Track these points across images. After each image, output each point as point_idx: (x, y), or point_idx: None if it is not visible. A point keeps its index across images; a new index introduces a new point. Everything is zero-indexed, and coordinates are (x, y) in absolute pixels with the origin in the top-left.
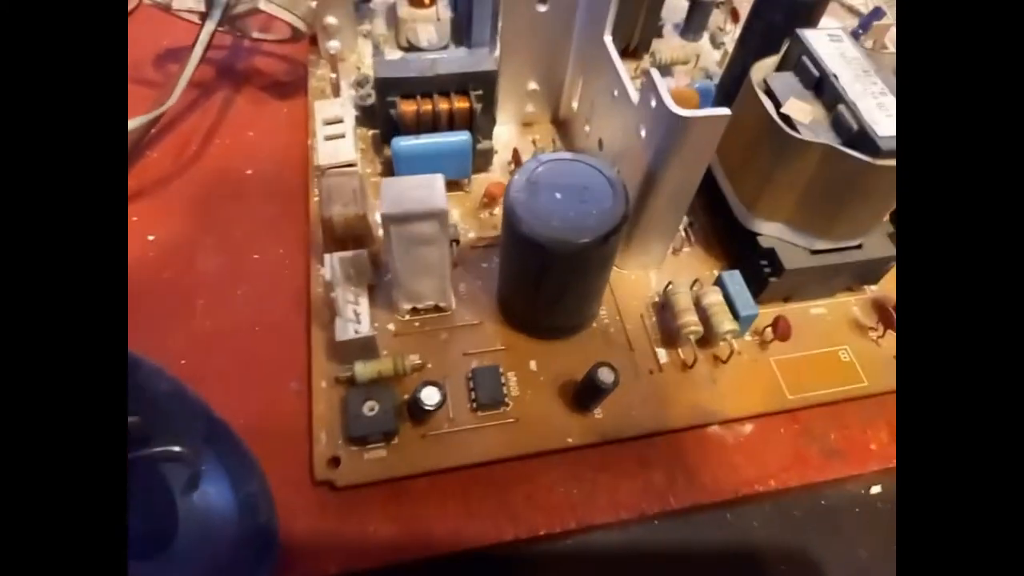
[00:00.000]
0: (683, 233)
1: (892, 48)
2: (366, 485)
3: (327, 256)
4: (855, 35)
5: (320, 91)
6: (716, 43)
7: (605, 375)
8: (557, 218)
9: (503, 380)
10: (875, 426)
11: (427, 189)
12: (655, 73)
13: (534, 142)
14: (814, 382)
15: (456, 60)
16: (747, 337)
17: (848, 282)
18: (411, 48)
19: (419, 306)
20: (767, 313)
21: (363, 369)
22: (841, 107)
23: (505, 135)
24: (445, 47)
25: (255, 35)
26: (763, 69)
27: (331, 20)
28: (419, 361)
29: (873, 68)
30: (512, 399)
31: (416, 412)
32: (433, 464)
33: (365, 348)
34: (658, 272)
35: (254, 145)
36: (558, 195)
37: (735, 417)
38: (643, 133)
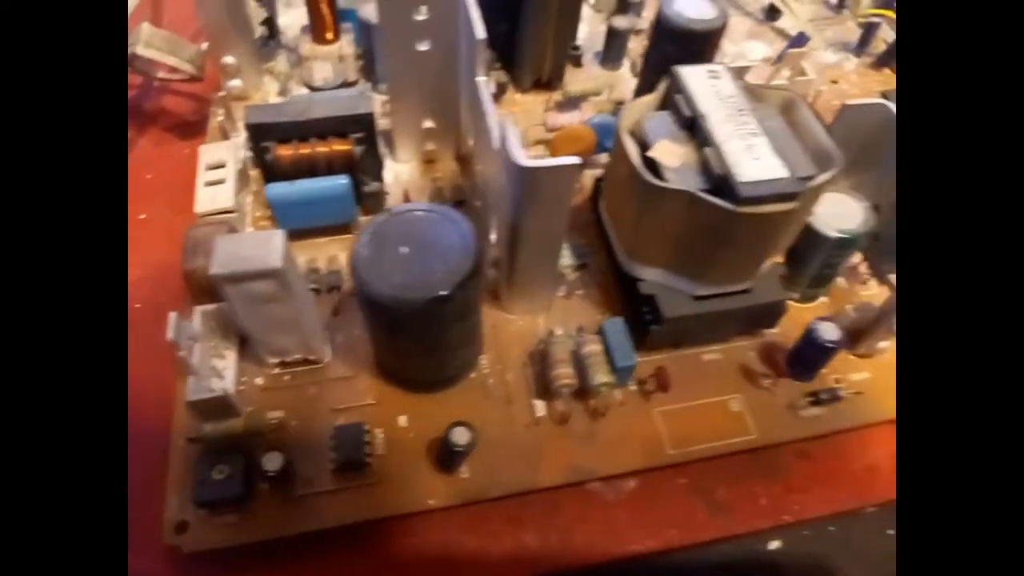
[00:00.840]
0: (576, 276)
1: (812, 74)
2: (219, 551)
3: (171, 314)
4: (778, 59)
5: (221, 132)
6: (636, 71)
7: (459, 436)
8: (399, 274)
9: (367, 439)
10: (768, 480)
11: (263, 247)
12: (508, 121)
13: (434, 180)
14: (699, 434)
15: (332, 103)
16: (631, 387)
17: (741, 327)
18: (313, 87)
19: (286, 359)
20: (656, 360)
21: (211, 430)
22: (708, 150)
23: (406, 173)
24: (340, 86)
25: (161, 75)
26: (637, 109)
27: (229, 60)
28: (279, 418)
29: (750, 107)
30: (376, 458)
31: (264, 476)
32: (287, 529)
33: (220, 407)
34: (547, 317)
35: (151, 188)
36: (404, 249)
37: (615, 473)
38: (503, 180)
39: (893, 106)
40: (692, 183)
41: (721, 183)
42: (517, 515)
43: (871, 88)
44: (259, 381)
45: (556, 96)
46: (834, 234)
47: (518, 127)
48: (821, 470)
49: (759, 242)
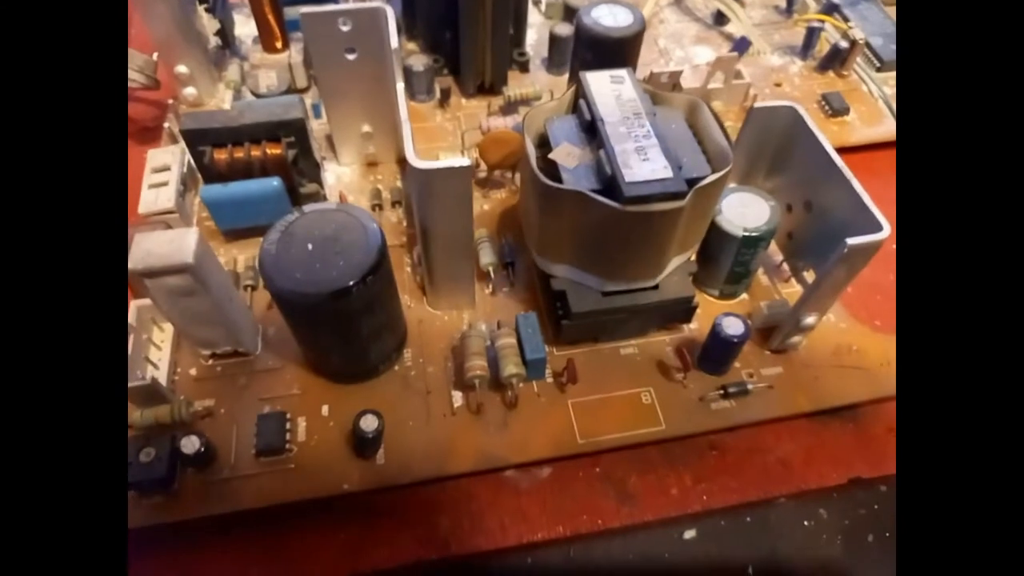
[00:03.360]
0: (503, 273)
1: (747, 78)
2: (144, 529)
3: None
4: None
5: (172, 137)
6: None
7: (367, 423)
8: (302, 270)
9: (288, 426)
10: (678, 470)
11: (176, 244)
12: (407, 125)
13: (373, 181)
14: (610, 425)
15: (264, 109)
16: (548, 380)
17: (655, 322)
18: (258, 95)
19: (217, 351)
20: (575, 354)
21: (140, 416)
22: (601, 152)
23: (348, 175)
24: (285, 92)
25: None
26: (542, 113)
27: (182, 69)
28: (208, 406)
29: (650, 111)
30: (297, 445)
31: (187, 459)
32: (209, 510)
33: (150, 395)
34: (472, 312)
35: None
36: (310, 246)
37: (525, 461)
38: (411, 182)
39: (800, 108)
40: (586, 184)
41: (611, 183)
42: (432, 500)
43: (813, 91)
44: (193, 372)
45: (498, 101)
46: (740, 232)
47: (462, 129)
48: (732, 462)
49: (651, 240)
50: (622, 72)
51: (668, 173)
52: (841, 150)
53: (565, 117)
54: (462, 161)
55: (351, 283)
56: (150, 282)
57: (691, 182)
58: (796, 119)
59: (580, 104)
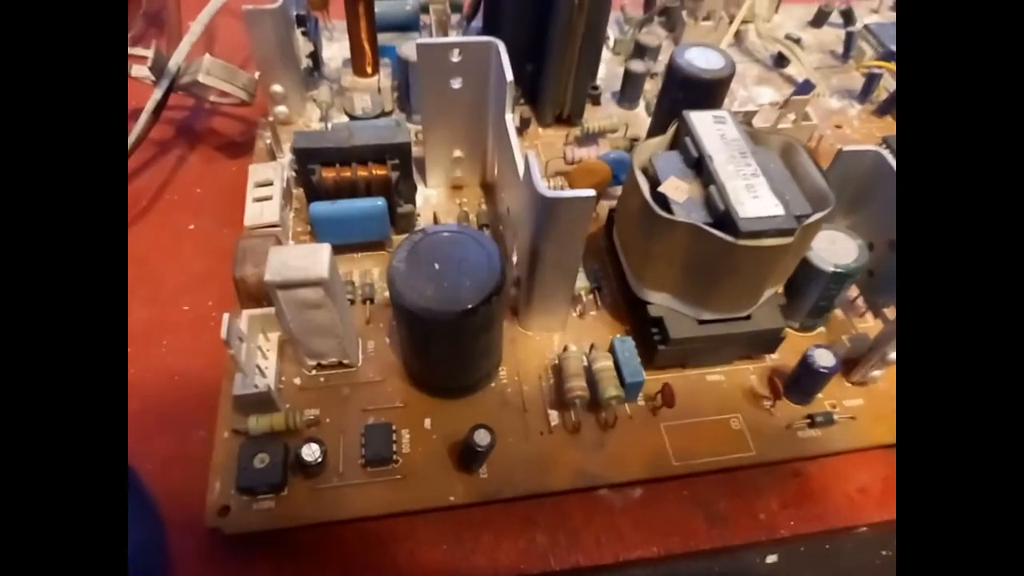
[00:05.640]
0: (590, 297)
1: (815, 119)
2: (254, 534)
3: (224, 316)
4: (783, 104)
5: (268, 153)
6: (650, 111)
7: (480, 437)
8: (433, 288)
9: (394, 437)
10: (765, 495)
11: (311, 258)
12: (531, 155)
13: (460, 205)
14: (702, 449)
15: (372, 131)
16: (640, 402)
17: (743, 351)
18: (353, 116)
19: (323, 362)
20: (663, 378)
21: (255, 423)
22: (712, 187)
23: (435, 197)
24: (378, 116)
25: (212, 99)
26: (649, 148)
27: (277, 88)
28: (315, 416)
29: (751, 150)
30: (402, 456)
31: (301, 466)
32: (318, 517)
33: (262, 402)
34: (562, 334)
35: (200, 201)
36: (437, 266)
37: (621, 481)
38: (526, 207)
39: (885, 152)
40: (697, 217)
41: (723, 218)
42: (530, 515)
43: (872, 133)
44: (297, 381)
45: (575, 131)
46: (830, 268)
47: (540, 159)
48: (816, 489)
49: (756, 273)
50: (723, 113)
51: (780, 210)
52: None
53: (669, 153)
54: (587, 192)
55: (479, 302)
56: (282, 293)
57: (797, 219)
58: (880, 162)
59: (685, 141)
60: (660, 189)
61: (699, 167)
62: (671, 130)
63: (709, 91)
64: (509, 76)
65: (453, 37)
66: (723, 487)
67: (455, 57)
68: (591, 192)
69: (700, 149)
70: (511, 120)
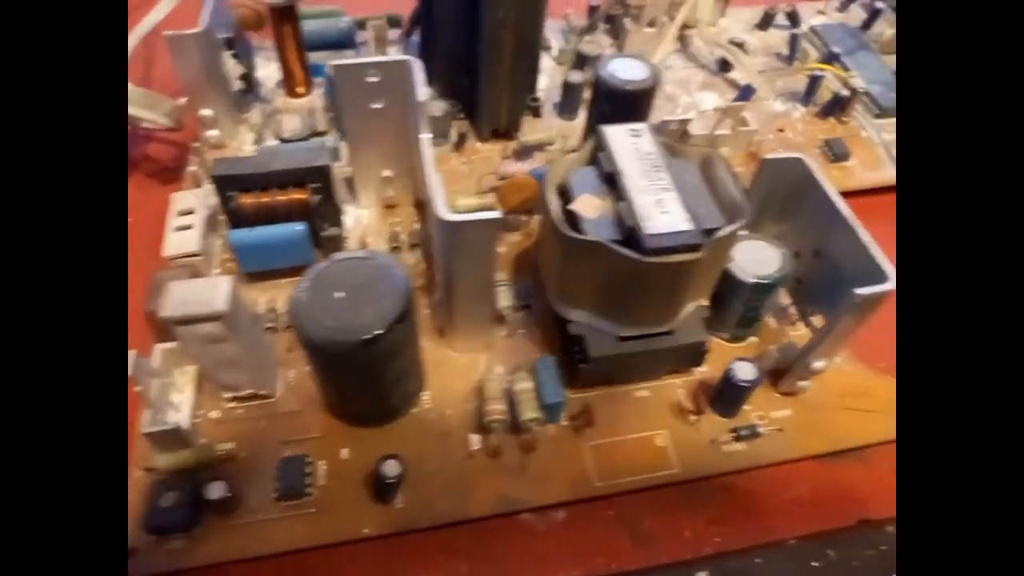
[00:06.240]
0: (517, 315)
1: (753, 125)
2: (166, 575)
3: (131, 352)
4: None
5: (197, 179)
6: None
7: (389, 468)
8: (333, 317)
9: (309, 470)
10: (692, 512)
11: (211, 292)
12: (436, 177)
13: (392, 225)
14: (626, 468)
15: (292, 155)
16: (564, 423)
17: (668, 366)
18: (283, 139)
19: (238, 395)
20: (590, 397)
21: (164, 460)
22: (621, 204)
23: (367, 217)
24: (308, 136)
25: (144, 124)
26: (565, 164)
27: (206, 112)
28: (230, 449)
29: (667, 164)
30: (317, 488)
31: (210, 504)
32: (229, 555)
33: (174, 438)
34: (490, 355)
35: (130, 231)
36: (339, 294)
37: (543, 504)
38: (436, 230)
39: (809, 160)
40: (607, 234)
41: (631, 235)
42: (450, 544)
43: (815, 136)
44: (214, 414)
45: (512, 145)
46: (751, 279)
47: (478, 173)
48: (745, 503)
49: (670, 289)
50: (640, 126)
51: (687, 225)
52: (843, 195)
53: (586, 168)
54: (492, 214)
55: (380, 331)
56: (182, 329)
57: (707, 233)
58: (804, 170)
59: (600, 156)
60: (571, 206)
61: (611, 183)
62: (588, 145)
63: (632, 103)
64: (421, 96)
65: (372, 57)
66: (649, 505)
67: (372, 77)
68: (494, 214)
69: (612, 164)
70: (426, 140)
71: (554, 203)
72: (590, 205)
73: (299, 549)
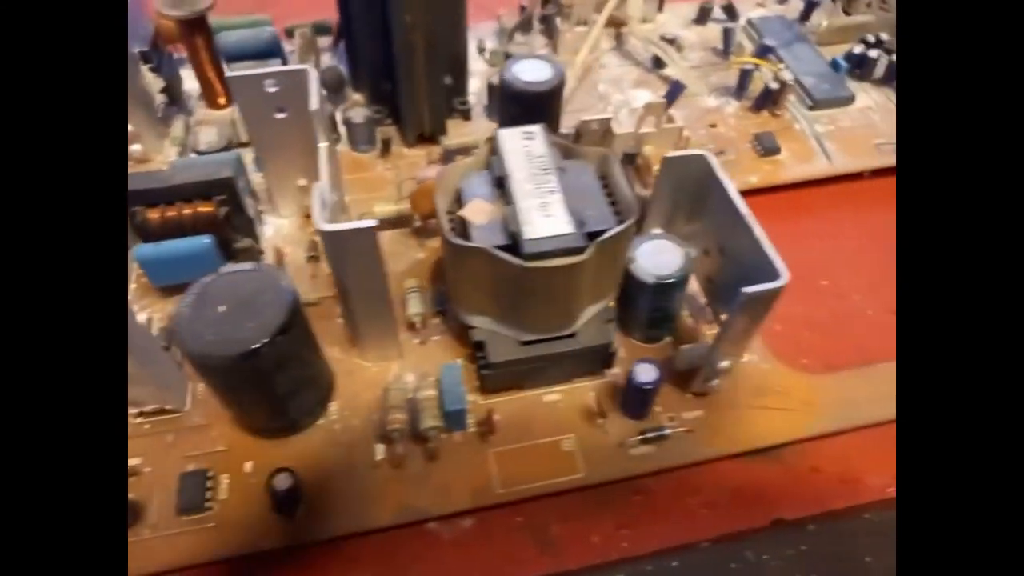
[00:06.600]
0: (435, 322)
1: (679, 122)
2: None
3: None
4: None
5: None
6: None
7: (280, 482)
8: (214, 331)
9: (210, 484)
10: (600, 517)
11: None
12: (316, 186)
13: (311, 234)
14: (530, 474)
15: (196, 168)
16: (472, 430)
17: (576, 369)
18: (199, 151)
19: (144, 409)
20: (501, 402)
21: None
22: (507, 208)
23: (287, 227)
24: (224, 148)
25: None
26: (458, 169)
27: (128, 127)
28: (133, 465)
29: (560, 166)
30: (219, 502)
31: None
32: (132, 571)
33: None
34: (401, 363)
35: None
36: (222, 308)
37: (447, 513)
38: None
39: (711, 156)
40: (494, 240)
41: (514, 240)
42: (355, 555)
43: (747, 130)
44: None
45: (437, 150)
46: (651, 280)
47: (402, 179)
48: (655, 506)
49: (559, 292)
50: (535, 128)
51: (568, 228)
52: (773, 188)
53: (482, 173)
54: (366, 223)
55: (260, 344)
56: None
57: (595, 235)
58: (706, 167)
59: (492, 160)
60: (461, 212)
61: (502, 187)
62: (483, 149)
63: (538, 104)
64: (314, 105)
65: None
66: (556, 511)
67: (271, 87)
68: (370, 223)
69: (502, 168)
70: (323, 151)
71: (442, 210)
72: (479, 210)
73: (197, 564)
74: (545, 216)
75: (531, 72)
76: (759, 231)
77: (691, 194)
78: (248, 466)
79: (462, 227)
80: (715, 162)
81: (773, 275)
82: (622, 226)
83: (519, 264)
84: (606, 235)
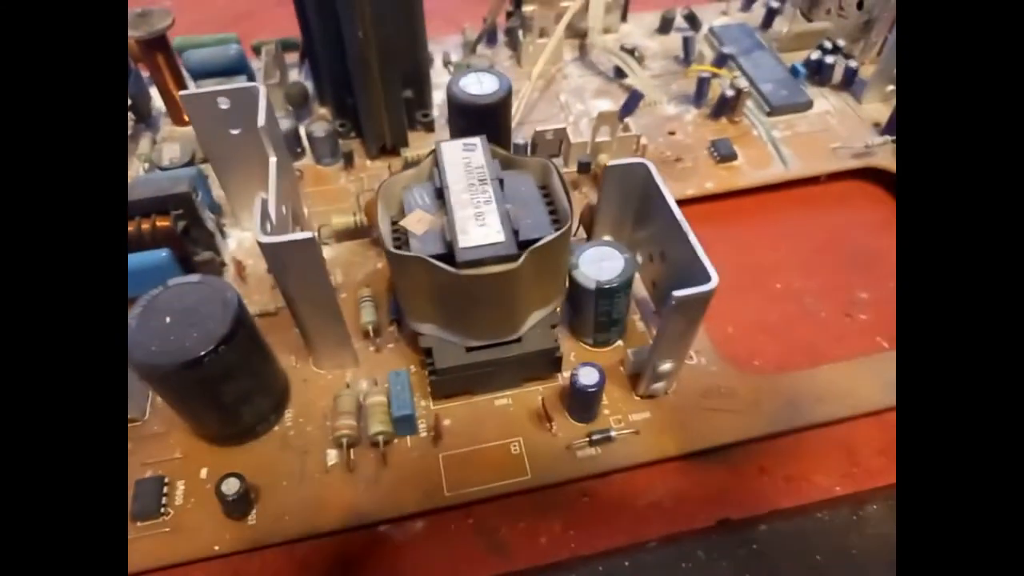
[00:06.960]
0: (391, 330)
1: (634, 130)
2: None
3: None
4: (621, 116)
5: None
6: None
7: (228, 487)
8: (157, 342)
9: (166, 490)
10: (548, 518)
11: None
12: (260, 196)
13: None
14: (478, 476)
15: (153, 184)
16: (423, 435)
17: (524, 374)
18: (162, 167)
19: None
20: (452, 408)
21: None
22: (445, 218)
23: (249, 239)
24: (188, 164)
25: None
26: (401, 180)
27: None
28: None
29: (498, 176)
30: (174, 508)
31: None
32: None
33: None
34: (356, 370)
35: None
36: (168, 319)
37: (397, 516)
38: None
39: (651, 165)
40: (432, 249)
41: (449, 249)
42: (308, 559)
43: (704, 138)
44: None
45: (398, 162)
46: (593, 285)
47: (358, 191)
48: (602, 508)
49: (496, 300)
50: (476, 140)
51: (500, 237)
52: (730, 194)
53: (424, 184)
54: (304, 235)
55: (202, 353)
56: None
57: (529, 243)
58: (647, 174)
59: (432, 172)
60: (401, 223)
61: (441, 198)
62: (426, 161)
63: (485, 116)
64: (260, 121)
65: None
66: (507, 513)
67: (223, 104)
68: (308, 234)
69: (442, 179)
70: (272, 163)
71: (384, 220)
72: (419, 221)
73: (150, 569)
74: (480, 225)
75: (477, 85)
76: (692, 236)
77: (637, 201)
78: (204, 472)
79: (406, 237)
80: (654, 169)
81: (706, 279)
82: (555, 234)
83: (455, 272)
84: (539, 243)
